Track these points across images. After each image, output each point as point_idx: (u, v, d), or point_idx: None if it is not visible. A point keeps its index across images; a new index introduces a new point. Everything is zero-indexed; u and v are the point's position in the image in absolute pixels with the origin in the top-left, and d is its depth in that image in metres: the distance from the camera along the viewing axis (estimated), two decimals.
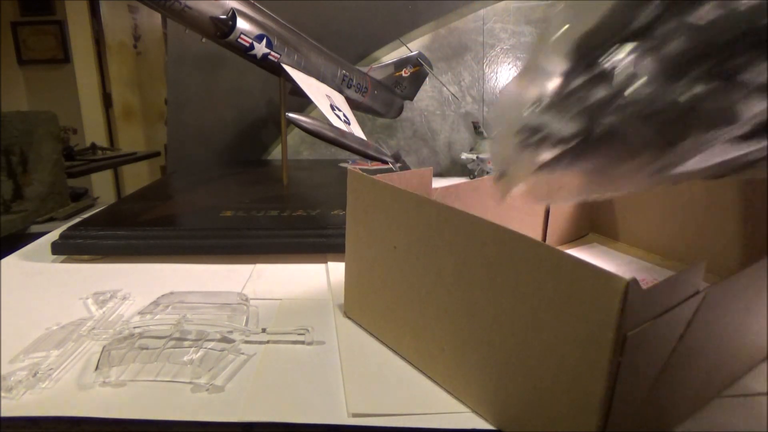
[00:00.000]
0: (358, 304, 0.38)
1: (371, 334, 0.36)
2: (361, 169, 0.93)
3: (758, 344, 0.32)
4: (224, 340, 0.35)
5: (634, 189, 0.22)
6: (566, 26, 0.21)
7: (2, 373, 0.31)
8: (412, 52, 0.96)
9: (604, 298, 0.20)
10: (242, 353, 0.34)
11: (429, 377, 0.31)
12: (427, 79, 1.00)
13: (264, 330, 0.37)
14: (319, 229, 0.55)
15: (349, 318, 0.38)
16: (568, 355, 0.22)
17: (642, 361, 0.22)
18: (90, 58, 3.19)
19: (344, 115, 0.68)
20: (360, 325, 0.37)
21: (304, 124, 0.62)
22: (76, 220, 0.59)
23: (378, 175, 0.35)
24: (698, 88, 0.18)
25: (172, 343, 0.34)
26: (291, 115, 0.62)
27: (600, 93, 0.20)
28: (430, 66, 0.99)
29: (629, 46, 0.19)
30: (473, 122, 1.02)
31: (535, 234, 0.52)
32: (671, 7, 0.18)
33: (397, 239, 0.32)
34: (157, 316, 0.40)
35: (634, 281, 0.19)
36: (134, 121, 3.57)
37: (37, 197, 1.41)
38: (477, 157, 0.96)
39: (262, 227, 0.56)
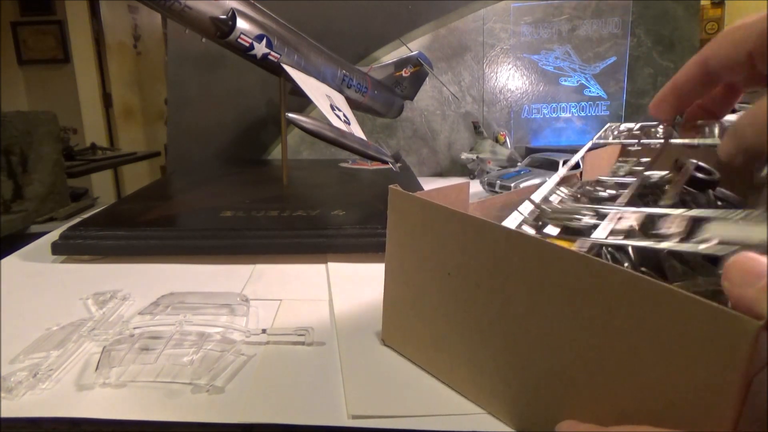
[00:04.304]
0: (401, 333, 0.35)
1: (417, 365, 0.33)
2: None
3: None
4: (224, 340, 0.35)
5: None
6: None
7: (2, 373, 0.31)
8: (412, 52, 0.96)
9: (728, 340, 0.18)
10: (242, 354, 0.34)
11: (479, 406, 0.29)
12: (427, 79, 1.00)
13: (264, 331, 0.37)
14: (319, 229, 0.55)
15: (389, 347, 0.36)
16: (677, 399, 0.20)
17: (762, 403, 0.20)
18: (90, 58, 3.19)
19: (344, 115, 0.68)
20: (403, 356, 0.35)
21: (304, 124, 0.62)
22: (76, 220, 0.59)
23: (418, 192, 0.32)
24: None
25: (172, 343, 0.34)
26: (291, 115, 0.62)
27: None
28: (430, 66, 0.99)
29: None
30: (473, 122, 1.02)
31: None
32: None
33: (452, 265, 0.29)
34: (157, 317, 0.40)
35: (765, 324, 0.18)
36: (134, 121, 3.57)
37: (37, 197, 1.41)
38: (477, 157, 0.96)
39: (262, 227, 0.56)
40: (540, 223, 0.31)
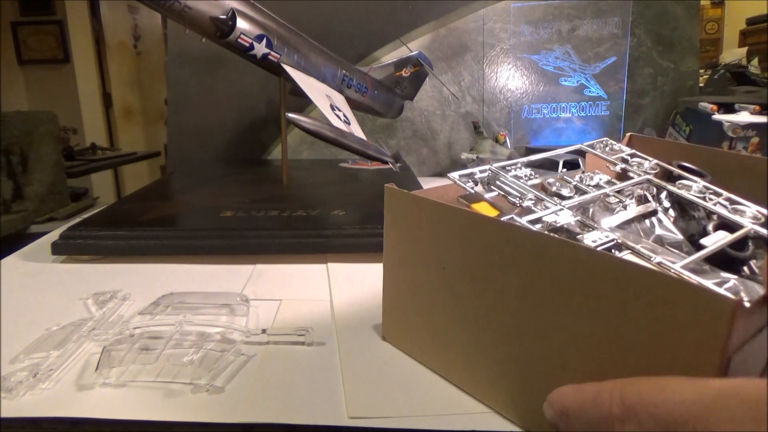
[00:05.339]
0: (400, 329, 0.35)
1: (416, 360, 0.34)
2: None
3: None
4: (224, 340, 0.35)
5: None
6: None
7: (2, 373, 0.31)
8: (412, 52, 0.96)
9: (707, 319, 0.19)
10: (242, 354, 0.34)
11: (477, 398, 0.30)
12: (427, 79, 1.00)
13: (264, 331, 0.37)
14: (319, 229, 0.55)
15: (389, 343, 0.36)
16: None
17: None
18: (90, 58, 3.19)
19: (344, 115, 0.68)
20: (403, 351, 0.35)
21: (304, 124, 0.62)
22: (76, 220, 0.59)
23: (415, 191, 0.33)
24: None
25: (172, 343, 0.34)
26: (291, 115, 0.62)
27: None
28: (430, 66, 0.99)
29: None
30: (473, 122, 1.02)
31: None
32: None
33: (447, 259, 0.30)
34: (157, 317, 0.40)
35: (741, 301, 0.18)
36: (134, 121, 3.57)
37: (37, 197, 1.41)
38: (477, 157, 0.96)
39: (262, 227, 0.56)
40: (482, 186, 0.33)
